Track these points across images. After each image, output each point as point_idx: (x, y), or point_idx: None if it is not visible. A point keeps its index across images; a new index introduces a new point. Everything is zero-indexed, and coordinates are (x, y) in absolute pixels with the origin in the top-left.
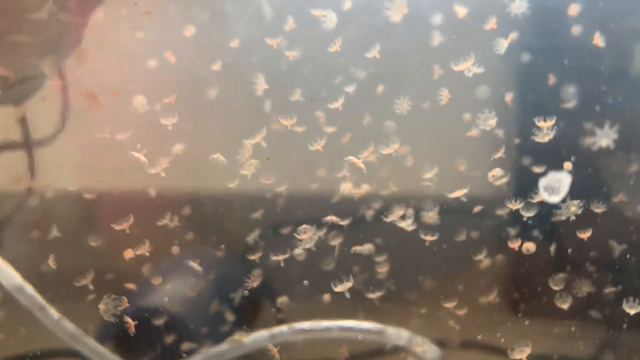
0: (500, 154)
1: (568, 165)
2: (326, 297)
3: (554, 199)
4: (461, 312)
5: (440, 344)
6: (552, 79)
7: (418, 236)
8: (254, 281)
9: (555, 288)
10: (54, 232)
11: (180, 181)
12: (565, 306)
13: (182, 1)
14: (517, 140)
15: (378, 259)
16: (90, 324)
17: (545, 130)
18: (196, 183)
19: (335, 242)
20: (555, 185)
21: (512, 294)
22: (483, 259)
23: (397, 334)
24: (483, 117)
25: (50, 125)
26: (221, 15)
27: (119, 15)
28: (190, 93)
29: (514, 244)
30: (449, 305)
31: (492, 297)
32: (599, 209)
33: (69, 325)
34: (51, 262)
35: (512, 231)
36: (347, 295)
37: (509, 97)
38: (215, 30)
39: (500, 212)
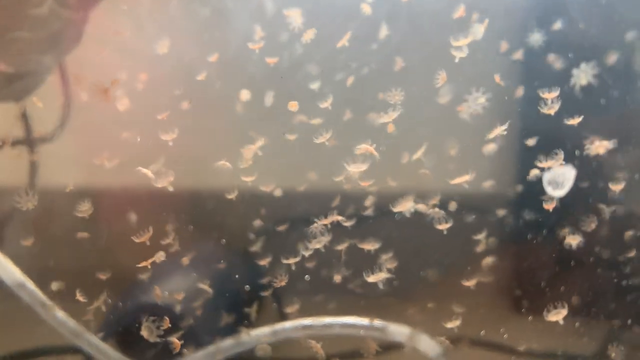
0: (498, 131)
1: (576, 121)
2: (337, 277)
3: (558, 193)
4: (463, 309)
5: (443, 340)
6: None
7: (419, 233)
8: (282, 281)
9: (573, 242)
10: (54, 230)
11: (182, 180)
12: (575, 243)
13: None
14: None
15: (384, 256)
16: (91, 320)
17: (550, 102)
18: (197, 182)
19: (342, 247)
20: (559, 180)
21: (515, 290)
22: (485, 250)
23: (399, 331)
24: (472, 97)
25: (51, 122)
26: (222, 11)
27: (119, 10)
28: (190, 90)
29: (549, 205)
30: (469, 283)
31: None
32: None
33: (71, 322)
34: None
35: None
36: (381, 286)
37: (497, 78)
38: (216, 25)
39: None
